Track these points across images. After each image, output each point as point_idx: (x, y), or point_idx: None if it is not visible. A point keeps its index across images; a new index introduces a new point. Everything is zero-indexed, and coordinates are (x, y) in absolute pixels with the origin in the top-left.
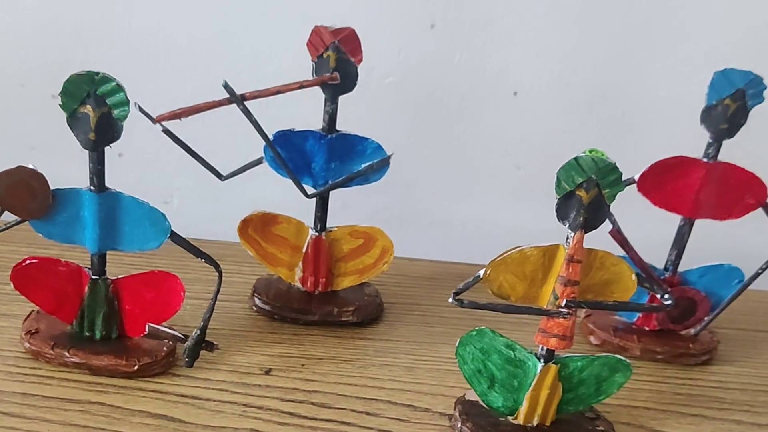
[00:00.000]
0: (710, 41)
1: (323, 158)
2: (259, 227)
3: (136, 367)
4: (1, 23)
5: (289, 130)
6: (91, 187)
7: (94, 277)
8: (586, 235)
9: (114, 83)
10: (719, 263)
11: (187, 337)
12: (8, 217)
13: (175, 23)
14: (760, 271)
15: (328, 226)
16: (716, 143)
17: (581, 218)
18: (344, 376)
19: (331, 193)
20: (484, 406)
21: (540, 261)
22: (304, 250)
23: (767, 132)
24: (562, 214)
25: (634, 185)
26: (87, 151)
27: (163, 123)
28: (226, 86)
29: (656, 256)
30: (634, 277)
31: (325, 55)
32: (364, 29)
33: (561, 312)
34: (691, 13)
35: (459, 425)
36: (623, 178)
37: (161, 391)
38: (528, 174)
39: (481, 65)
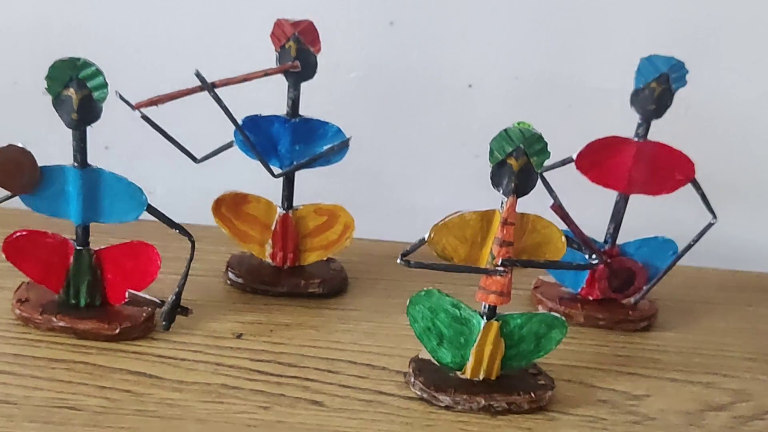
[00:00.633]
0: (646, 37)
1: (288, 141)
2: (231, 207)
3: (117, 331)
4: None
5: (257, 115)
6: (75, 164)
7: (78, 247)
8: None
9: (94, 68)
10: (654, 236)
11: (164, 302)
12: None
13: (158, 22)
14: (692, 243)
15: (294, 204)
16: (645, 123)
17: (512, 184)
18: (309, 340)
19: (302, 182)
20: (435, 363)
21: (479, 225)
22: (273, 227)
23: (695, 114)
24: (496, 181)
25: (573, 165)
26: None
27: (142, 110)
28: (198, 74)
29: (599, 232)
30: (563, 238)
31: (286, 46)
32: (329, 28)
33: (498, 270)
34: (627, 11)
35: (413, 380)
36: (564, 159)
37: (140, 352)
38: (485, 162)
39: (437, 60)
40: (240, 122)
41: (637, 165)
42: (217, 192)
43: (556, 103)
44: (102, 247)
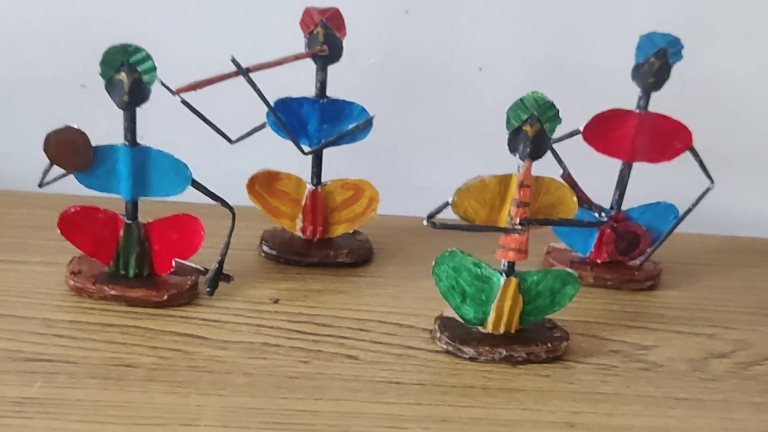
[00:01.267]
0: (645, 18)
1: (317, 120)
2: (264, 184)
3: (165, 297)
4: (36, 22)
5: (288, 97)
6: (126, 143)
7: (128, 221)
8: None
9: (144, 53)
10: (657, 201)
11: (207, 270)
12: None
13: (194, 13)
14: (691, 207)
15: (323, 180)
16: (645, 96)
17: (528, 149)
18: (341, 303)
19: (327, 163)
20: (459, 319)
21: (497, 188)
22: (303, 202)
23: (691, 86)
24: (512, 146)
25: (581, 136)
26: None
27: (181, 95)
28: (234, 60)
29: (605, 199)
30: (575, 198)
31: (315, 32)
32: (348, 17)
33: (516, 229)
34: None
35: (438, 335)
36: (571, 131)
37: (187, 316)
38: (496, 142)
39: (450, 44)
40: (272, 104)
41: (639, 135)
42: (247, 174)
43: (561, 83)
44: (149, 220)
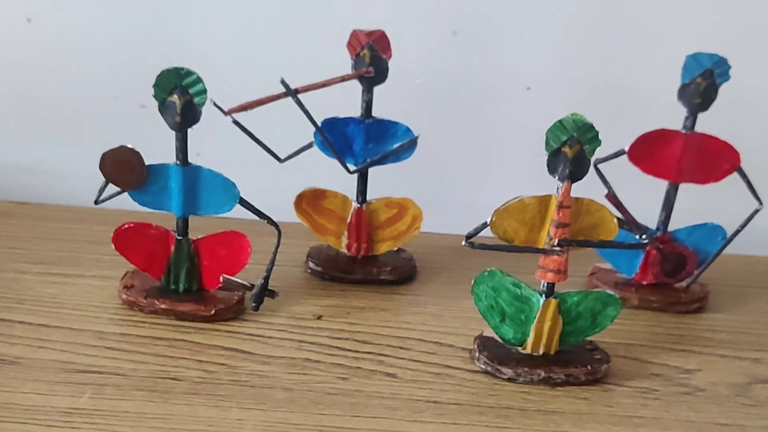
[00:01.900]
0: (693, 37)
1: (362, 140)
2: (311, 201)
3: (213, 312)
4: (98, 42)
5: (334, 117)
6: (177, 162)
7: (179, 237)
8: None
9: (195, 76)
10: (704, 222)
11: (253, 286)
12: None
13: (245, 36)
14: (740, 228)
15: (368, 198)
16: (692, 116)
17: (567, 170)
18: (382, 321)
19: (375, 181)
20: (498, 340)
21: (537, 209)
22: (348, 220)
23: (738, 106)
24: (552, 168)
25: (626, 156)
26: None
27: (233, 115)
28: (283, 82)
29: (651, 220)
30: (615, 220)
31: (361, 53)
32: (396, 38)
33: (555, 250)
34: (674, 12)
35: (477, 354)
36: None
37: (233, 331)
38: (544, 161)
39: (498, 64)
40: (319, 124)
41: (686, 155)
42: (294, 192)
43: (609, 102)
44: (199, 236)
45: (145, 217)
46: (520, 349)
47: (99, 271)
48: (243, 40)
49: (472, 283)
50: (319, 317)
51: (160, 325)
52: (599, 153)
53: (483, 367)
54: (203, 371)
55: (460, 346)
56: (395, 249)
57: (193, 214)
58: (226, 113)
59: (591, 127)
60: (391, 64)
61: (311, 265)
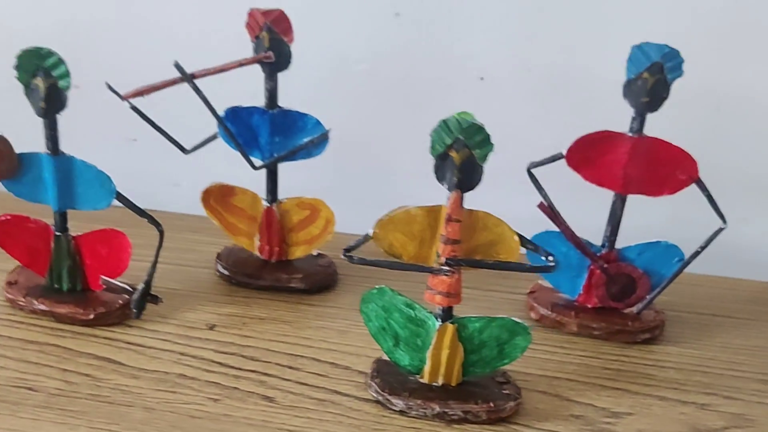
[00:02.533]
0: (665, 24)
1: (267, 132)
2: (219, 198)
3: (92, 316)
4: (23, 23)
5: (238, 106)
6: (48, 151)
7: (57, 233)
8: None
9: (57, 57)
10: (656, 240)
11: (135, 290)
12: None
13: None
14: (700, 249)
15: (281, 197)
16: (639, 117)
17: (455, 178)
18: (280, 335)
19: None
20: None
21: (426, 221)
22: (260, 220)
23: (698, 107)
24: (439, 175)
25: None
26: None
27: (130, 100)
28: (177, 65)
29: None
30: (516, 237)
31: (260, 36)
32: (334, 19)
33: (442, 269)
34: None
35: (370, 381)
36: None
37: (112, 338)
38: (503, 160)
39: (446, 51)
40: (223, 113)
41: (633, 162)
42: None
43: (571, 95)
44: (79, 233)
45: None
46: (418, 377)
47: None
48: (142, 18)
49: (360, 301)
50: (212, 327)
51: (37, 327)
52: (535, 156)
53: (374, 395)
54: (64, 382)
55: (357, 369)
56: (315, 254)
57: (71, 208)
58: (122, 98)
59: (480, 128)
60: (328, 47)
61: (219, 267)
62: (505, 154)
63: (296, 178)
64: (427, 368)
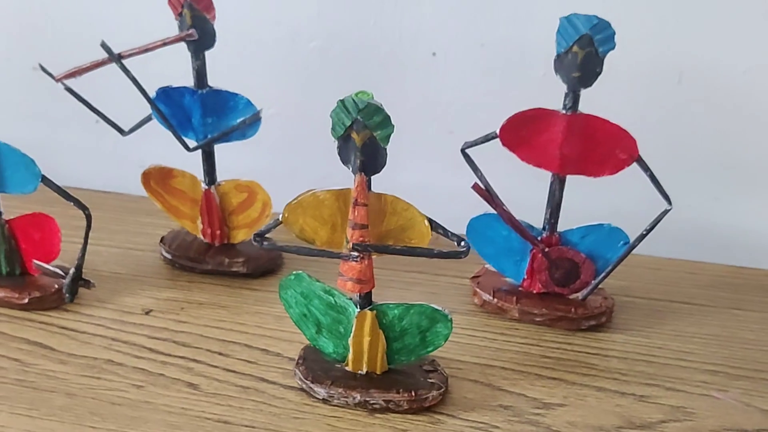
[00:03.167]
0: None
1: (199, 113)
2: (159, 180)
3: (26, 300)
4: None
5: (168, 86)
6: None
7: None
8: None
9: None
10: (599, 223)
11: (67, 274)
12: None
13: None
14: (645, 233)
15: (219, 179)
16: (572, 93)
17: (358, 161)
18: (215, 320)
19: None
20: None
21: (335, 205)
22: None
23: (659, 80)
24: (343, 157)
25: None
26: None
27: (65, 82)
28: (104, 45)
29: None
30: (426, 222)
31: (183, 14)
32: None
33: (351, 255)
34: None
35: (294, 369)
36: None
37: (47, 323)
38: (459, 137)
39: (396, 27)
40: (154, 94)
41: (569, 141)
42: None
43: (528, 70)
44: (12, 217)
45: None
46: (343, 365)
47: None
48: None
49: (278, 288)
50: (148, 312)
51: None
52: (471, 135)
53: (299, 383)
54: None
55: (287, 356)
56: None
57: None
58: (56, 80)
59: (378, 108)
60: (279, 24)
61: (163, 251)
62: (462, 131)
63: (244, 160)
64: (350, 356)
